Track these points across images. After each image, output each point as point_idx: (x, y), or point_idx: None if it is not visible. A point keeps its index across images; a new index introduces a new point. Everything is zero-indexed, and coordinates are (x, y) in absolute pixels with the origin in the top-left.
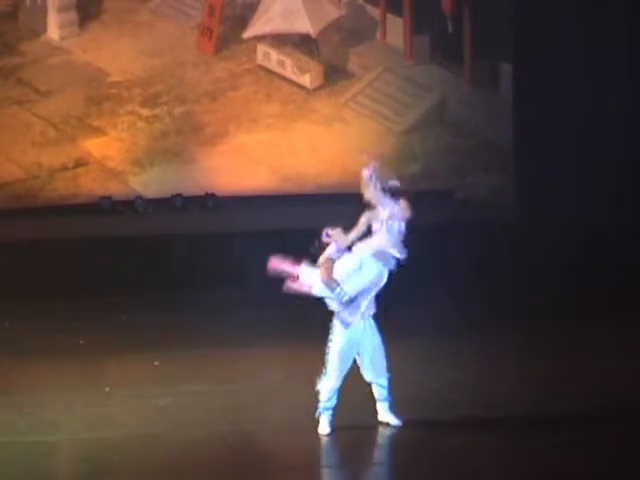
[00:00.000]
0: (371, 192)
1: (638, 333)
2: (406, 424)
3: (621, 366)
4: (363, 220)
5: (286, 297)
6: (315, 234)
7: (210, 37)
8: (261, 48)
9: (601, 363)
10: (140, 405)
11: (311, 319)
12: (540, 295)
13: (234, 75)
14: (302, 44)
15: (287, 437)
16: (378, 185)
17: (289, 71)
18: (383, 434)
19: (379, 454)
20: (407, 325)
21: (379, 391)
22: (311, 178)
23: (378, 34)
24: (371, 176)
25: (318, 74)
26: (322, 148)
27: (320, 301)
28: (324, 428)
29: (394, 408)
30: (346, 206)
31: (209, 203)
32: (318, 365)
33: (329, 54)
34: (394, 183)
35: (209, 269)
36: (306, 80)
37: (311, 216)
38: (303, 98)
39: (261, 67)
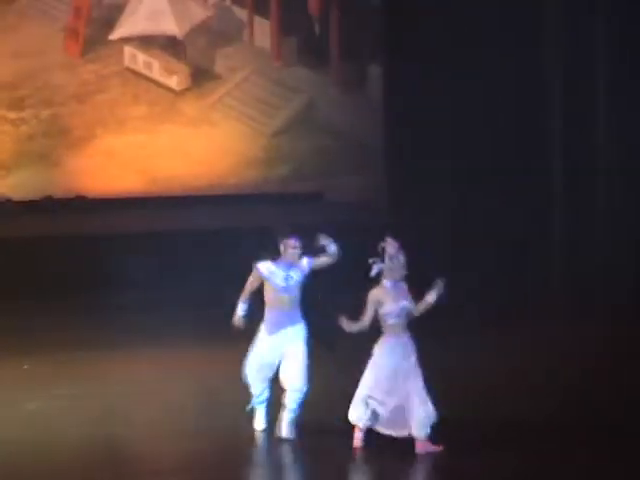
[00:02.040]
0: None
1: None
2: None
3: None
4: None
5: (161, 301)
6: (185, 235)
7: (77, 39)
8: (128, 50)
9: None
10: (9, 409)
11: (187, 322)
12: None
13: (101, 77)
14: (169, 46)
15: (156, 442)
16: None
17: (156, 73)
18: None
19: (254, 456)
20: None
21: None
22: (179, 180)
23: (245, 36)
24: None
25: (185, 76)
26: (190, 150)
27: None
28: (259, 423)
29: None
30: (215, 208)
31: (79, 205)
32: (194, 368)
33: (196, 56)
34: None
35: (80, 272)
36: (173, 82)
37: (180, 218)
38: (170, 100)
39: (128, 69)
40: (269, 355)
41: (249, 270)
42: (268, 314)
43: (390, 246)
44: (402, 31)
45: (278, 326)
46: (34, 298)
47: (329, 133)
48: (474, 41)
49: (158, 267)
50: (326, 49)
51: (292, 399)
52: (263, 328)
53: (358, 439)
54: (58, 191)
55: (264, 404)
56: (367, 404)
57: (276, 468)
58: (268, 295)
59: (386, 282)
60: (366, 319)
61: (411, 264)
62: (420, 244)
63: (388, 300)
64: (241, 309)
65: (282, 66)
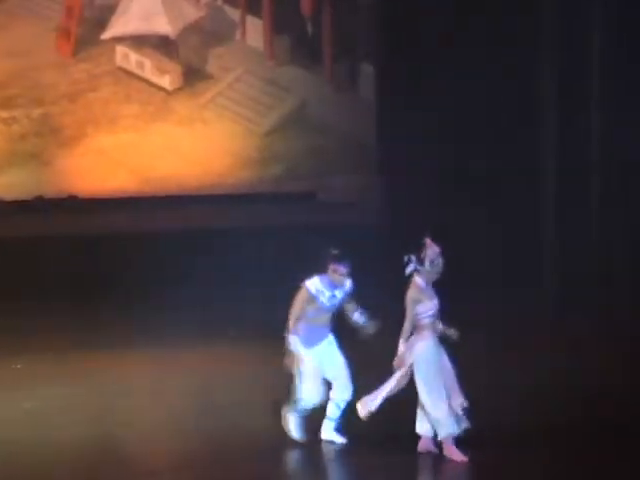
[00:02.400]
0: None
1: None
2: None
3: None
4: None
5: (156, 301)
6: (179, 235)
7: (68, 39)
8: (120, 49)
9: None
10: (5, 409)
11: (182, 322)
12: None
13: (93, 76)
14: (161, 45)
15: (152, 442)
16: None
17: (148, 72)
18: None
19: (246, 455)
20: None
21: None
22: (172, 179)
23: (238, 35)
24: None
25: (177, 75)
26: (182, 149)
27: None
28: (292, 427)
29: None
30: (208, 207)
31: (70, 205)
32: (192, 368)
33: (189, 55)
34: None
35: (73, 271)
36: (165, 81)
37: (172, 218)
38: (162, 99)
39: (120, 68)
40: (319, 368)
41: (242, 269)
42: (306, 329)
43: (431, 249)
44: (395, 30)
45: (318, 340)
46: (26, 298)
47: (322, 133)
48: (467, 41)
49: (151, 267)
50: (319, 48)
51: (340, 407)
52: (298, 342)
53: (457, 452)
54: (50, 191)
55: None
56: (452, 412)
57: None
58: (309, 311)
59: (419, 281)
60: (410, 322)
61: (400, 263)
62: (411, 243)
63: (425, 299)
64: (294, 342)
65: (275, 65)
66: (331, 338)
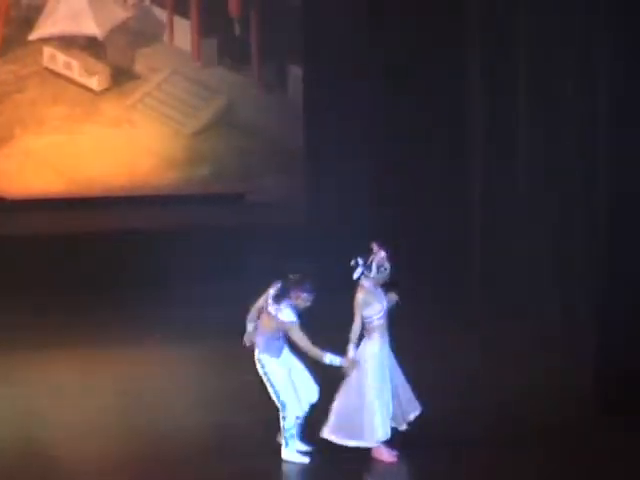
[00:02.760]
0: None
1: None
2: None
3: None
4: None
5: (78, 302)
6: (106, 237)
7: None
8: (47, 50)
9: None
10: None
11: (114, 323)
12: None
13: (20, 78)
14: (89, 46)
15: (78, 443)
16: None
17: (76, 73)
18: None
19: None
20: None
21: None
22: (99, 181)
23: (166, 36)
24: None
25: (105, 76)
26: (110, 150)
27: None
28: (297, 456)
29: None
30: (134, 208)
31: None
32: (120, 369)
33: (116, 56)
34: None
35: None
36: (93, 82)
37: (100, 219)
38: (90, 100)
39: (47, 69)
40: (289, 375)
41: (169, 271)
42: (266, 341)
43: (378, 255)
44: (322, 32)
45: (280, 348)
46: None
47: (250, 134)
48: (393, 42)
49: (77, 269)
50: (246, 50)
51: (307, 410)
52: (267, 357)
53: (391, 453)
54: None
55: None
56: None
57: None
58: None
59: (367, 284)
60: (358, 325)
61: (330, 263)
62: (339, 244)
63: (374, 301)
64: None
65: (202, 67)
66: (286, 346)
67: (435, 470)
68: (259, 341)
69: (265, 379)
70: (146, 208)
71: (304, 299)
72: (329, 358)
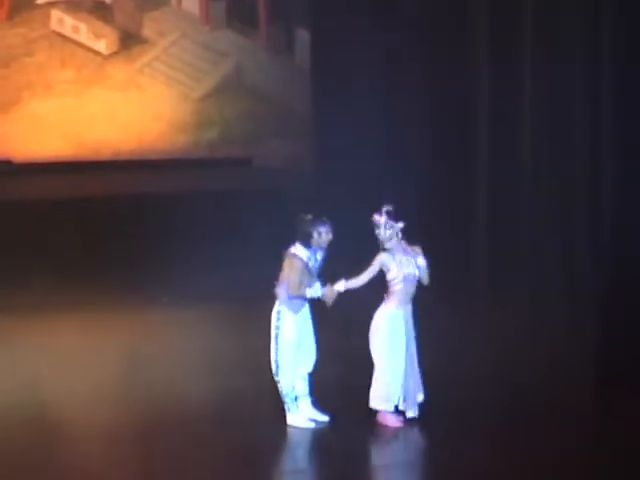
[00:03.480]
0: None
1: None
2: None
3: None
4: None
5: (87, 267)
6: (113, 200)
7: (2, 2)
8: (55, 14)
9: None
10: None
11: (112, 286)
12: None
13: (28, 41)
14: (97, 10)
15: (87, 408)
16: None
17: (84, 37)
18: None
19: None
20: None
21: (304, 384)
22: (107, 144)
23: (174, 0)
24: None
25: (113, 40)
26: (118, 114)
27: None
28: (301, 420)
29: None
30: (142, 172)
31: (4, 169)
32: (124, 335)
33: (124, 20)
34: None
35: (4, 236)
36: (101, 46)
37: (108, 183)
38: (98, 64)
39: (55, 33)
40: (296, 338)
41: (170, 235)
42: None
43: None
44: None
45: (301, 305)
46: None
47: (257, 98)
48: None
49: (84, 232)
50: (255, 13)
51: (306, 379)
52: (285, 310)
53: (397, 419)
54: None
55: (305, 398)
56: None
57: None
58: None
59: (389, 246)
60: (362, 278)
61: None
62: (346, 211)
63: (393, 266)
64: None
65: (210, 30)
66: (306, 305)
67: (443, 440)
68: (281, 292)
69: (274, 333)
70: (154, 172)
71: (325, 232)
72: (309, 292)
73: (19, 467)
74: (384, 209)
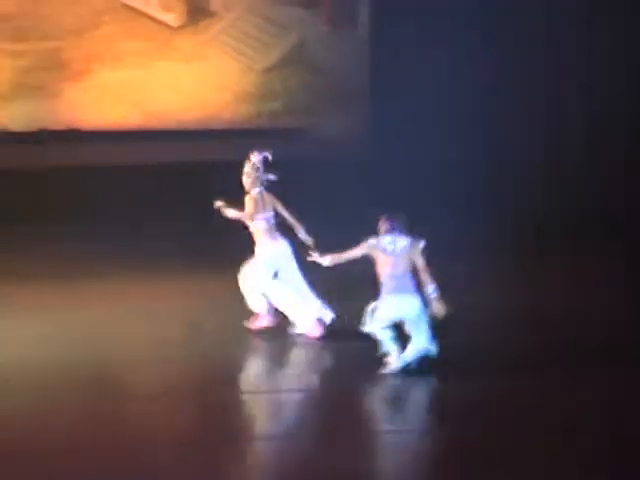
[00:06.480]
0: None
1: None
2: None
3: None
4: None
5: (140, 235)
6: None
7: None
8: None
9: None
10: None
11: (173, 254)
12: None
13: (97, 12)
14: None
15: (142, 367)
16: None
17: (153, 9)
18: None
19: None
20: None
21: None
22: (172, 114)
23: None
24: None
25: (182, 12)
26: (183, 85)
27: None
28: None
29: None
30: (206, 141)
31: (73, 137)
32: (180, 297)
33: None
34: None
35: (71, 203)
36: (170, 18)
37: (173, 151)
38: (166, 36)
39: (125, 5)
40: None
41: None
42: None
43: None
44: None
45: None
46: (27, 225)
47: (318, 71)
48: None
49: (146, 199)
50: None
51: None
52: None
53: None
54: (53, 123)
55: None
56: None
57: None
58: None
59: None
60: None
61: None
62: (400, 181)
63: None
64: None
65: (275, 4)
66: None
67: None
68: None
69: None
70: (216, 141)
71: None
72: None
73: (89, 418)
74: (263, 155)
